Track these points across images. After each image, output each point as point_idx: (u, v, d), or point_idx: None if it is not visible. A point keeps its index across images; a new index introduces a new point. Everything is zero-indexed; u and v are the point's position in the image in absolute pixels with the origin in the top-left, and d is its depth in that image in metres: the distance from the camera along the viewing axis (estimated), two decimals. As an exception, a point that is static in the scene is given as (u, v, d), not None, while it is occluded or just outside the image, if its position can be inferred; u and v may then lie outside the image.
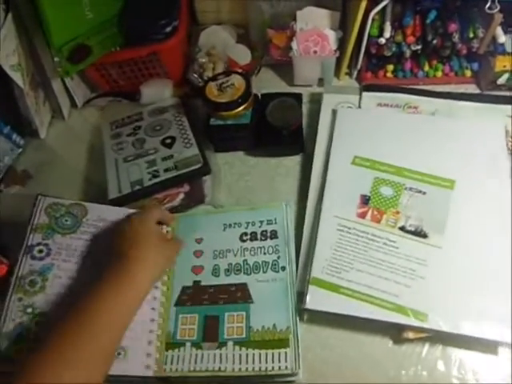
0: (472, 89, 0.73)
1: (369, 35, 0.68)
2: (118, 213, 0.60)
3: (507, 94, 0.70)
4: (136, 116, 0.74)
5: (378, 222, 0.57)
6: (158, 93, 0.76)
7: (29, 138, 0.76)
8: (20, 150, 0.74)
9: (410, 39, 0.68)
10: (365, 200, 0.59)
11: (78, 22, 0.64)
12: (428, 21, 0.67)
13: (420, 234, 0.56)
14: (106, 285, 0.49)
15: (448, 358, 0.52)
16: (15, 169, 0.73)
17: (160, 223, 0.60)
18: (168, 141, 0.68)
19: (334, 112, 0.68)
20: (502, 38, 0.66)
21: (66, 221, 0.58)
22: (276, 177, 0.68)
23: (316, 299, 0.53)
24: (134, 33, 0.70)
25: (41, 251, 0.55)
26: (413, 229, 0.56)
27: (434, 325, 0.50)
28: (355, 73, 0.76)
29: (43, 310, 0.51)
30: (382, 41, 0.68)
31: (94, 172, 0.71)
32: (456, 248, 0.54)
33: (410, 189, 0.59)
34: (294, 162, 0.69)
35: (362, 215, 0.58)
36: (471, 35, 0.67)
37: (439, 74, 0.73)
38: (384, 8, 0.66)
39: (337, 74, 0.76)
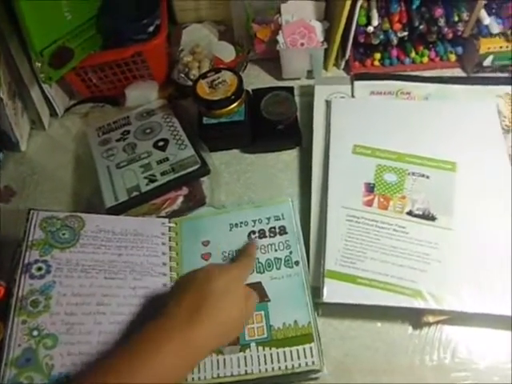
0: (457, 72, 0.75)
1: (357, 24, 0.68)
2: (116, 222, 0.57)
3: (494, 75, 0.72)
4: (123, 120, 0.71)
5: (386, 208, 0.57)
6: (144, 95, 0.74)
7: (8, 152, 0.71)
8: (-1, 165, 0.69)
9: (397, 26, 0.69)
10: (369, 188, 0.58)
11: (58, 24, 0.61)
12: (414, 7, 0.67)
13: (428, 217, 0.56)
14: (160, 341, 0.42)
15: (469, 339, 0.52)
16: (-4, 186, 0.69)
17: None
18: (161, 143, 0.66)
19: (328, 103, 0.68)
20: (486, 20, 0.67)
21: (64, 234, 0.54)
22: (275, 172, 0.66)
23: (333, 292, 0.52)
24: (114, 34, 0.67)
25: (40, 269, 0.51)
26: (420, 212, 0.56)
27: (454, 306, 0.50)
28: (343, 63, 0.76)
29: (51, 331, 0.48)
30: (371, 29, 0.68)
31: (82, 182, 0.68)
32: (466, 228, 0.54)
33: (413, 173, 0.59)
34: (291, 156, 0.68)
35: (369, 203, 0.57)
36: (456, 19, 0.68)
37: (425, 59, 0.74)
38: (371, -4, 0.66)
39: (325, 65, 0.76)
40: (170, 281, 0.55)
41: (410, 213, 0.56)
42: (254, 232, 0.58)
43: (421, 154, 0.60)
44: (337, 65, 0.77)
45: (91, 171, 0.65)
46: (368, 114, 0.65)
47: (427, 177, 0.58)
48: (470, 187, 0.57)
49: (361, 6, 0.66)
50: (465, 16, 0.67)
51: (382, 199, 0.57)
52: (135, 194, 0.60)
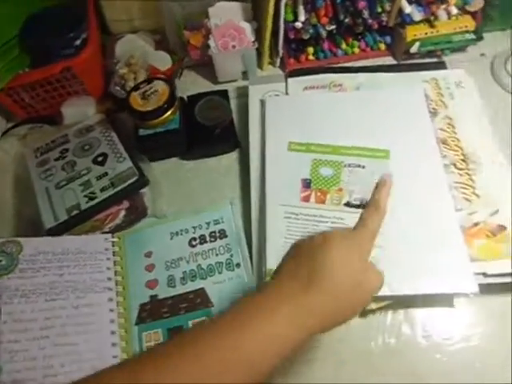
0: (389, 61, 0.76)
1: (285, 21, 0.69)
2: (57, 242, 0.57)
3: (421, 61, 0.74)
4: (61, 139, 0.70)
5: (323, 202, 0.57)
6: (81, 111, 0.73)
7: None
8: None
9: (324, 20, 0.70)
10: (306, 184, 0.59)
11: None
12: (338, 0, 0.68)
13: (366, 205, 0.55)
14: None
15: (412, 321, 0.54)
16: None
17: None
18: (100, 158, 0.65)
19: (263, 102, 0.68)
20: (407, 9, 0.69)
21: (0, 261, 0.54)
22: (217, 177, 0.67)
23: None
24: (40, 51, 0.67)
25: (-22, 298, 0.51)
26: (358, 202, 0.56)
27: (395, 290, 0.51)
28: (278, 61, 0.76)
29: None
30: (299, 25, 0.69)
31: (22, 204, 0.67)
32: (403, 212, 0.55)
33: (349, 165, 0.59)
34: (231, 159, 0.68)
35: (306, 199, 0.58)
36: (380, 10, 0.69)
37: (356, 50, 0.75)
38: (294, -8, 0.67)
39: (260, 64, 0.77)
40: (115, 295, 0.55)
41: (347, 204, 0.57)
42: (194, 239, 0.58)
43: (355, 145, 0.61)
44: (272, 63, 0.78)
45: (31, 193, 0.64)
46: (301, 109, 0.66)
47: (363, 167, 0.59)
48: (402, 173, 0.58)
49: (286, 4, 0.67)
50: (387, 6, 0.69)
51: (319, 193, 0.58)
52: (75, 212, 0.59)
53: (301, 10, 0.69)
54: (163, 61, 0.77)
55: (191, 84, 0.77)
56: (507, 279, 0.52)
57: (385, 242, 0.52)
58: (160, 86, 0.66)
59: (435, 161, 0.59)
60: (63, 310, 0.52)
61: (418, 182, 0.57)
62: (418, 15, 0.69)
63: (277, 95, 0.70)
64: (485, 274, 0.52)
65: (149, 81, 0.67)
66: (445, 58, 0.75)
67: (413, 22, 0.71)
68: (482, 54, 0.76)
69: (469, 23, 0.72)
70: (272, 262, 0.54)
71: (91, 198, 0.60)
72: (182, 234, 0.59)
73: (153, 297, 0.55)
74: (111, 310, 0.54)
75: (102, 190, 0.61)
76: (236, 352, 0.35)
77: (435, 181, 0.57)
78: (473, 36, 0.73)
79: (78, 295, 0.54)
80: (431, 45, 0.73)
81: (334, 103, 0.66)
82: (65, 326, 0.51)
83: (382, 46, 0.75)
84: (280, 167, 0.61)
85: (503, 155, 0.60)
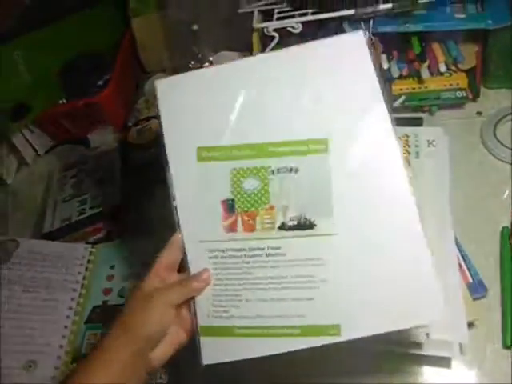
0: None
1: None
2: (46, 245, 0.71)
3: (399, 115, 0.72)
4: (81, 159, 0.85)
5: (253, 229, 0.44)
6: (102, 139, 0.88)
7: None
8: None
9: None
10: (229, 206, 0.45)
11: (15, 86, 0.76)
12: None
13: (305, 225, 0.44)
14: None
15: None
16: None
17: None
18: (99, 181, 0.78)
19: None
20: (385, 65, 0.70)
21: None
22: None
23: (212, 351, 0.44)
24: (71, 88, 0.83)
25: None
26: (295, 222, 0.44)
27: (349, 334, 0.42)
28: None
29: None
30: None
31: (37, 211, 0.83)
32: (352, 228, 0.43)
33: (278, 170, 0.45)
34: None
35: (232, 228, 0.45)
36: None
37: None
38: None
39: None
40: (78, 296, 0.67)
41: (282, 226, 0.44)
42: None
43: (284, 138, 0.45)
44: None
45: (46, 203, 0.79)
46: (207, 92, 0.47)
47: (295, 170, 0.44)
48: (348, 168, 0.43)
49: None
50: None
51: (246, 218, 0.45)
52: (66, 223, 0.73)
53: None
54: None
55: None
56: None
57: (335, 274, 0.43)
58: (154, 124, 0.77)
59: (392, 151, 0.43)
60: (34, 301, 0.65)
61: (368, 180, 0.43)
62: (396, 72, 0.70)
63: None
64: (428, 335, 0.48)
65: (148, 118, 0.79)
66: (437, 114, 0.74)
67: (393, 78, 0.71)
68: (479, 113, 0.72)
69: (461, 81, 0.71)
70: (203, 318, 0.45)
71: (81, 213, 0.74)
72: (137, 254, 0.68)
73: (104, 302, 0.66)
74: (70, 308, 0.65)
75: (92, 207, 0.74)
76: None
77: (393, 180, 0.43)
78: (464, 94, 0.71)
79: (49, 291, 0.66)
80: (418, 100, 0.73)
81: (247, 75, 0.47)
82: (30, 314, 0.64)
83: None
84: (191, 187, 0.46)
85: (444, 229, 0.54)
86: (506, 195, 0.62)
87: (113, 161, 0.81)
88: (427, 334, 0.47)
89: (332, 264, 0.43)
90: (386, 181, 0.43)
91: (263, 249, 0.44)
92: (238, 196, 0.45)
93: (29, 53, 0.78)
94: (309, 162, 0.44)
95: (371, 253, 0.42)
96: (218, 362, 0.44)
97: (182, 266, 0.46)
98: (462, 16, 0.65)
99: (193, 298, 0.44)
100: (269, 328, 0.44)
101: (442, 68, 0.70)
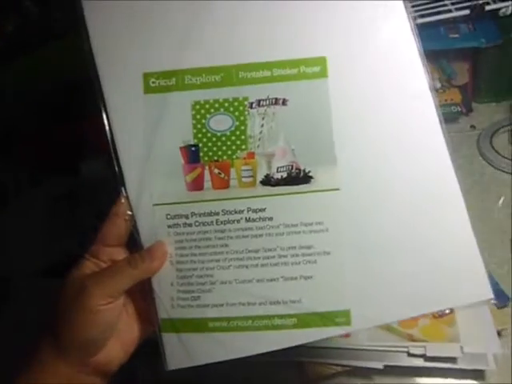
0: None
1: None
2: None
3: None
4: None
5: (226, 186, 0.33)
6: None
7: None
8: None
9: None
10: (191, 154, 0.33)
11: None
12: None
13: (298, 179, 0.33)
14: None
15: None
16: None
17: None
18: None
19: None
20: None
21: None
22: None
23: (178, 352, 0.34)
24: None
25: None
26: (284, 174, 0.33)
27: (363, 322, 0.33)
28: None
29: None
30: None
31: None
32: (364, 181, 0.33)
33: (259, 103, 0.33)
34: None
35: (197, 184, 0.33)
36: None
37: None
38: None
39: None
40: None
41: (267, 181, 0.33)
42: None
43: (266, 59, 0.33)
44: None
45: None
46: (151, 2, 0.34)
47: (283, 101, 0.33)
48: (354, 99, 0.33)
49: None
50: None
51: (216, 170, 0.33)
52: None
53: None
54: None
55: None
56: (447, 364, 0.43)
57: (341, 242, 0.33)
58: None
59: (416, 70, 0.33)
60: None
61: (385, 117, 0.33)
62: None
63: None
64: (424, 357, 0.43)
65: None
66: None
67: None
68: (472, 126, 0.72)
69: (455, 96, 0.71)
70: (165, 308, 0.34)
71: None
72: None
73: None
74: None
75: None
76: None
77: (419, 112, 0.33)
78: (458, 109, 0.71)
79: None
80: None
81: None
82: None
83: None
84: (136, 130, 0.34)
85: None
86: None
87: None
88: (461, 348, 0.43)
89: (336, 230, 0.33)
90: (410, 114, 0.32)
91: (242, 212, 0.33)
92: (204, 140, 0.33)
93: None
94: (301, 90, 0.33)
95: (390, 215, 0.32)
96: (187, 366, 0.33)
97: (133, 242, 0.34)
98: (456, 36, 0.67)
99: (148, 280, 0.34)
100: (253, 319, 0.33)
101: (437, 85, 0.70)
